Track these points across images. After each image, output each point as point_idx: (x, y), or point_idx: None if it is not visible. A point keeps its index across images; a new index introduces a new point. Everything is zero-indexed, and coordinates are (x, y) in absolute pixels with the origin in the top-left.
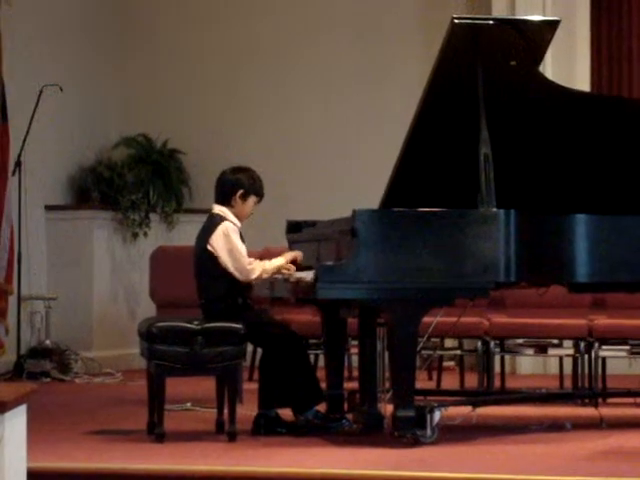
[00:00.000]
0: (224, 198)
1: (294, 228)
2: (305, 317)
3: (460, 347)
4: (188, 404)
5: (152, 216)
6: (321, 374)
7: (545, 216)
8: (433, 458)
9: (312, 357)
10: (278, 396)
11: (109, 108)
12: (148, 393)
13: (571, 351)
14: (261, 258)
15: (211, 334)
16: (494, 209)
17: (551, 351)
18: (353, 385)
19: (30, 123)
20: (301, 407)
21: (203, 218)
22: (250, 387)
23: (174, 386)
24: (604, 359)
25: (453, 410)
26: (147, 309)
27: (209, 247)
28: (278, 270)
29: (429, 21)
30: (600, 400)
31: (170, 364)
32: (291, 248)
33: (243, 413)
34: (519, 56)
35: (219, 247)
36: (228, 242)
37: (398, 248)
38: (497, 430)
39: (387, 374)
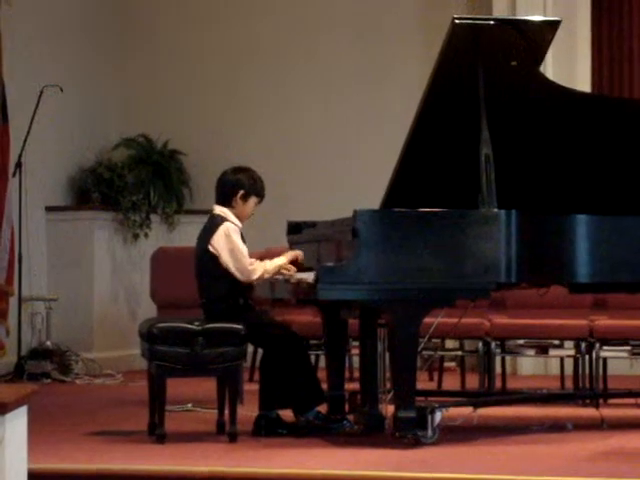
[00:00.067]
0: (225, 199)
1: (295, 229)
2: (306, 318)
3: (461, 348)
4: (189, 405)
5: (153, 217)
6: (322, 375)
7: (546, 216)
8: (434, 459)
9: (313, 358)
10: (279, 397)
11: (109, 108)
12: (149, 394)
13: (572, 352)
14: (262, 259)
15: (212, 335)
16: (495, 209)
17: (552, 352)
18: (354, 386)
19: (30, 124)
20: (302, 408)
21: (204, 219)
22: (251, 388)
23: (175, 387)
24: (605, 360)
25: (454, 411)
26: (148, 310)
27: (210, 248)
28: (279, 270)
29: (429, 21)
30: (601, 401)
31: (171, 365)
32: (292, 249)
33: (244, 414)
34: (520, 56)
35: (220, 247)
36: (229, 242)
37: (399, 248)
38: (498, 431)
39: (388, 375)
